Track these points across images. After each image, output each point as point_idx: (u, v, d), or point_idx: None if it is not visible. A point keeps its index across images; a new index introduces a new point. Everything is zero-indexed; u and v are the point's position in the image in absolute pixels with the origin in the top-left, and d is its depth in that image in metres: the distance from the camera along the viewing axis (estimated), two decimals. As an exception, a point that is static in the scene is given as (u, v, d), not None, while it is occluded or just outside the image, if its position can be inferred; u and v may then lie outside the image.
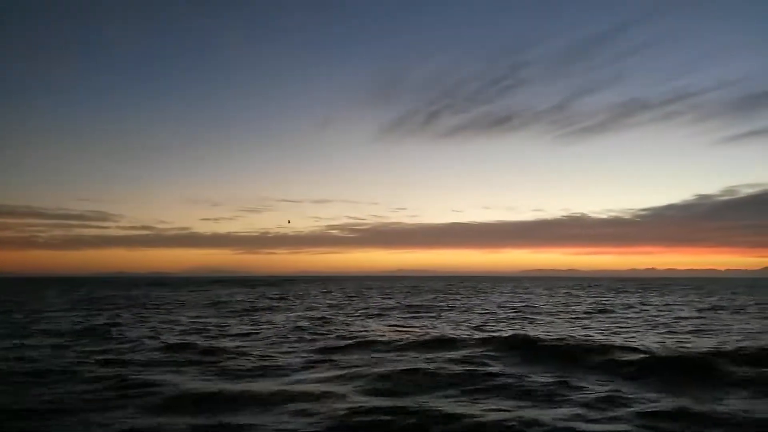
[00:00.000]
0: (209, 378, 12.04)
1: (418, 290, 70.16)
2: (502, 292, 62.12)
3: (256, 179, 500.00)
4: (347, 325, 23.09)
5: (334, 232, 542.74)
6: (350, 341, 17.43)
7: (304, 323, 23.57)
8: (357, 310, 32.29)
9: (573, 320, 26.26)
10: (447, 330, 20.91)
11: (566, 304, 38.70)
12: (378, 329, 21.28)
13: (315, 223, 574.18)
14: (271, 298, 47.42)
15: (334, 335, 19.26)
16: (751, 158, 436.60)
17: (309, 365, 13.61)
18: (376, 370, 12.39)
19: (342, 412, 8.86)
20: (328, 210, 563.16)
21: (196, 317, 27.69)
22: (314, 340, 18.12)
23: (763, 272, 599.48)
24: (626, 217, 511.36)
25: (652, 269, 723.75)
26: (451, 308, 34.52)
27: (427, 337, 17.83)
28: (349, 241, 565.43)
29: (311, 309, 33.44)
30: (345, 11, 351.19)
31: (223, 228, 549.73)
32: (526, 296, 52.87)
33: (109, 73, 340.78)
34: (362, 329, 21.18)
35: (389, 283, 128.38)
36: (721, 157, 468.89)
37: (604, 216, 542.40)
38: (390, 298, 48.95)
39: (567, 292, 62.45)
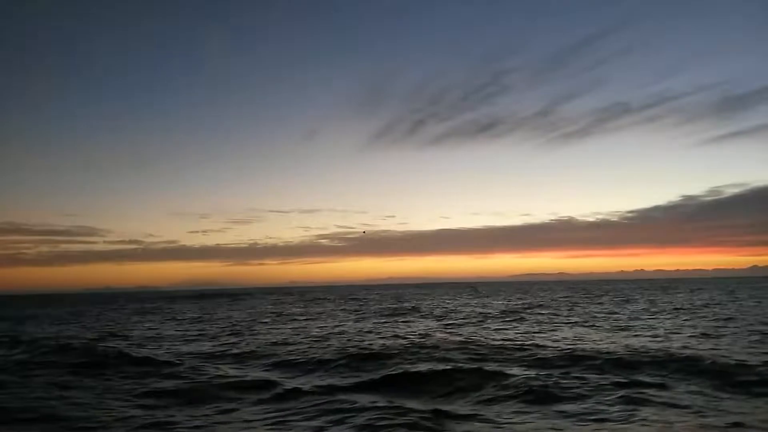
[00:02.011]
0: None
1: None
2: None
3: (244, 190, 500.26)
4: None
5: (324, 241, 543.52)
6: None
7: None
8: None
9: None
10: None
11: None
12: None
13: (304, 233, 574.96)
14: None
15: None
16: (734, 159, 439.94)
17: None
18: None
19: None
20: (317, 220, 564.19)
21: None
22: None
23: (750, 271, 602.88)
24: (613, 219, 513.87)
25: (641, 270, 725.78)
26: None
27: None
28: (339, 250, 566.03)
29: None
30: (330, 22, 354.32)
31: (211, 240, 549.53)
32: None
33: (95, 86, 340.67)
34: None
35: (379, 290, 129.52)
36: (704, 158, 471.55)
37: (591, 219, 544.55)
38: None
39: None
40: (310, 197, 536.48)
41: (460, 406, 10.18)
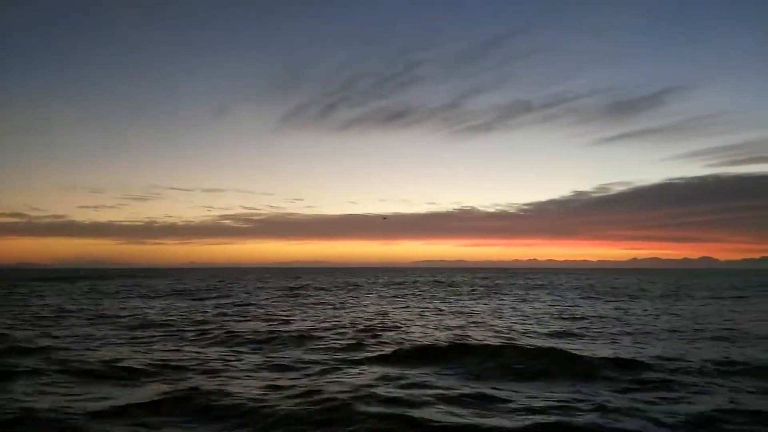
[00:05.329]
0: None
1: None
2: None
3: (144, 166, 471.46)
4: None
5: (228, 222, 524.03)
6: None
7: None
8: None
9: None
10: None
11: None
12: None
13: (207, 212, 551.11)
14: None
15: None
16: (621, 159, 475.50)
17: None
18: None
19: None
20: (221, 200, 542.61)
21: None
22: None
23: (630, 263, 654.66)
24: (511, 210, 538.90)
25: (534, 260, 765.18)
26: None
27: None
28: (243, 231, 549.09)
29: None
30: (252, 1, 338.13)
31: (104, 216, 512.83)
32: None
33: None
34: None
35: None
36: (595, 157, 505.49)
37: (491, 210, 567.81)
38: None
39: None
40: (215, 176, 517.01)
41: None
